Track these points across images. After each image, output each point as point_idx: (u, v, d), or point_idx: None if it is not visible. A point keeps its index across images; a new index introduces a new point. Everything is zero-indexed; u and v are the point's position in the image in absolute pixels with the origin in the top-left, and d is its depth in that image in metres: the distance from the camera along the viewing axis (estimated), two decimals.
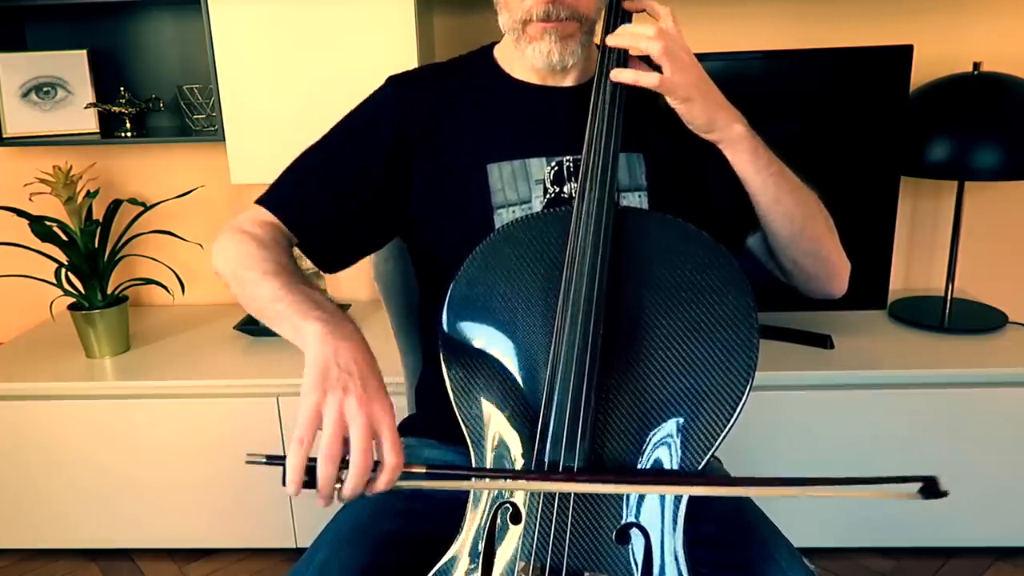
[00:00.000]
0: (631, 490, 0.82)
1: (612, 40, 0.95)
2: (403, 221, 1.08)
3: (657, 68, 0.94)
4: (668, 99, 0.95)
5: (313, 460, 0.72)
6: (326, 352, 0.77)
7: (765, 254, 1.09)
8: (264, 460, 0.74)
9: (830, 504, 1.76)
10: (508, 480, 0.85)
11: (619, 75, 0.94)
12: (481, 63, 1.10)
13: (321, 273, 1.79)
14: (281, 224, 1.01)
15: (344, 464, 0.73)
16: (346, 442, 0.73)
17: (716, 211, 1.05)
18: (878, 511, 1.77)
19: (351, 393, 0.74)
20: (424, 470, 0.77)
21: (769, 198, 0.99)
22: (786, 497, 0.74)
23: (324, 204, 1.04)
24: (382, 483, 0.74)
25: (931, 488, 0.72)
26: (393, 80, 1.09)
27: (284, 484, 0.72)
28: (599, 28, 1.02)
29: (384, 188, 1.05)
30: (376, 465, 0.74)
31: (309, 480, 0.72)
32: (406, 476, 0.75)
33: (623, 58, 0.97)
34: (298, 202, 1.04)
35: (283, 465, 0.72)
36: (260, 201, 1.04)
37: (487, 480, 0.85)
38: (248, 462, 0.74)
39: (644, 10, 1.01)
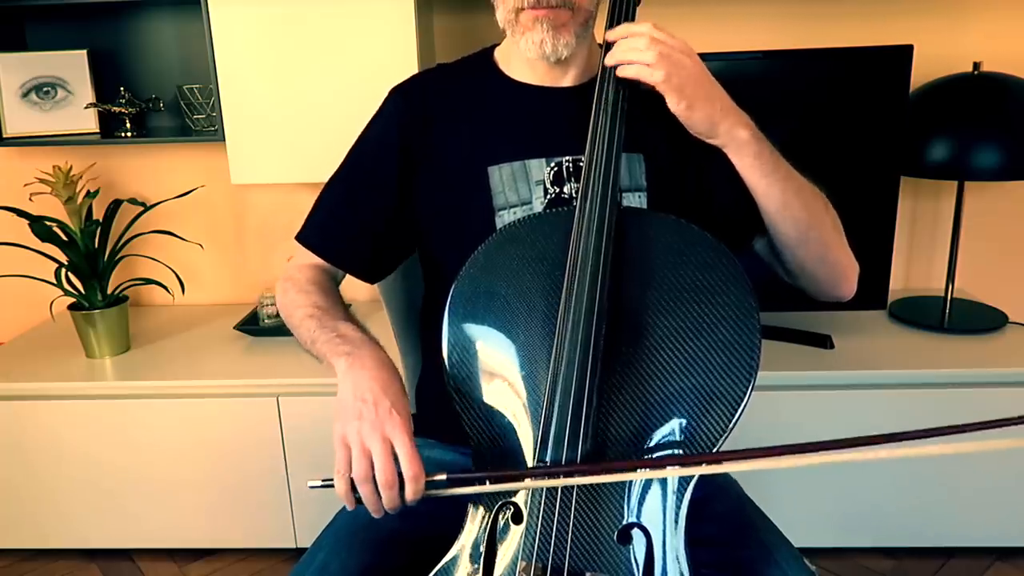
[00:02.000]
0: (660, 475, 0.82)
1: (610, 60, 0.94)
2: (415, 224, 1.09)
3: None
4: (669, 104, 0.93)
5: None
6: (346, 386, 0.86)
7: (772, 257, 1.08)
8: (321, 484, 0.83)
9: (830, 504, 1.76)
10: (529, 480, 0.84)
11: (623, 71, 0.93)
12: (481, 65, 1.10)
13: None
14: (319, 259, 1.09)
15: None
16: None
17: (721, 212, 1.04)
18: (878, 511, 1.78)
19: (365, 419, 0.82)
20: (444, 477, 0.81)
21: (775, 203, 0.98)
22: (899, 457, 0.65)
23: (352, 229, 1.09)
24: (409, 493, 0.80)
25: None
26: (394, 92, 1.10)
27: None
28: (599, 28, 1.01)
29: (403, 199, 1.07)
30: (401, 478, 0.80)
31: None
32: (432, 485, 0.81)
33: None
34: (329, 235, 1.10)
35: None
36: (297, 238, 1.11)
37: (513, 483, 0.84)
38: (311, 487, 0.83)
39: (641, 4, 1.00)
